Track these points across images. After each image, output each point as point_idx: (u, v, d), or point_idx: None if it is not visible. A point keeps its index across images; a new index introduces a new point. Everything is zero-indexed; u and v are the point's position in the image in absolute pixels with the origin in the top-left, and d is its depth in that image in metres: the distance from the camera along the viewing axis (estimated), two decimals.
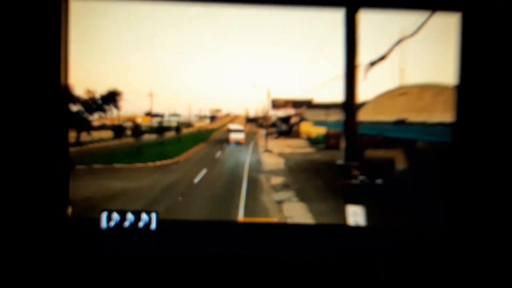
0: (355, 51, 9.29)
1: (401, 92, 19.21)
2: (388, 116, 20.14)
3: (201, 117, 51.28)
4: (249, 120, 56.82)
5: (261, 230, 4.56)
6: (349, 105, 10.02)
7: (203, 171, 22.78)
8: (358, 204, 8.87)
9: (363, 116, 22.72)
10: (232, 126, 40.17)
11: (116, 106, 32.85)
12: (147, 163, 24.31)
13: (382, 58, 11.14)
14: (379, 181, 18.77)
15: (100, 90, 32.12)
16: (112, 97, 32.00)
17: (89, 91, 30.88)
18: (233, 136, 36.66)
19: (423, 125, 15.67)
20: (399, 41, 10.55)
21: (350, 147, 10.41)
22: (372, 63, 11.57)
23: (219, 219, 14.91)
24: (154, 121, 45.91)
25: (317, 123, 28.10)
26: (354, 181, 8.97)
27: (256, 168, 24.18)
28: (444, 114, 15.08)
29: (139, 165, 23.93)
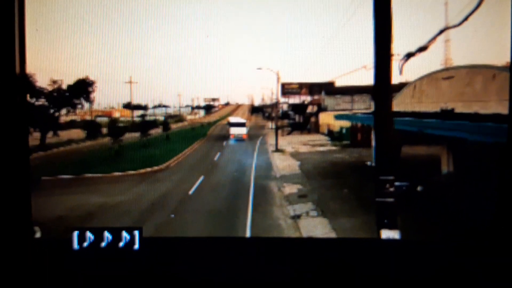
0: (389, 29, 9.21)
1: (446, 75, 19.04)
2: (430, 105, 20.02)
3: (194, 108, 51.18)
4: (255, 110, 56.76)
5: (271, 246, 4.52)
6: (382, 94, 9.95)
7: (200, 179, 22.78)
8: (394, 229, 8.89)
9: (399, 105, 22.63)
10: (232, 119, 41.29)
11: (88, 99, 32.72)
12: (129, 171, 24.31)
13: (422, 49, 11.00)
14: (420, 188, 18.72)
15: (68, 80, 31.98)
16: (82, 88, 31.85)
17: (54, 82, 30.75)
18: (234, 131, 37.39)
19: (475, 119, 15.50)
20: (442, 31, 10.46)
21: (382, 146, 10.38)
22: (410, 55, 11.46)
23: (214, 236, 14.90)
24: (136, 115, 45.91)
25: (340, 116, 27.84)
26: (388, 199, 8.97)
27: (265, 174, 24.14)
28: (502, 104, 14.95)
29: (120, 173, 23.94)
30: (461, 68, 18.22)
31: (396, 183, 16.86)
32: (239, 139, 37.18)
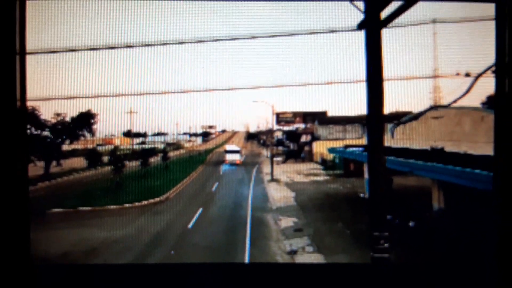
0: (380, 71, 9.66)
1: (435, 114, 19.56)
2: (421, 142, 20.52)
3: (192, 135, 51.62)
4: (250, 137, 57.71)
5: (269, 272, 4.63)
6: (374, 133, 10.37)
7: (198, 211, 23.04)
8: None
9: (390, 140, 23.12)
10: (228, 147, 43.68)
11: (90, 130, 33.29)
12: (130, 203, 24.54)
13: (413, 118, 11.48)
14: (412, 223, 19.08)
15: (71, 109, 32.44)
16: (84, 120, 32.41)
17: (58, 114, 31.35)
18: (229, 157, 40.98)
19: (465, 160, 15.91)
20: (431, 107, 10.99)
21: (375, 182, 10.78)
22: (401, 122, 11.94)
23: (213, 262, 15.03)
24: (136, 142, 46.30)
25: (332, 150, 28.28)
26: (384, 255, 9.35)
27: (262, 206, 24.44)
28: (490, 146, 15.39)
29: (120, 206, 24.18)
30: (450, 109, 18.72)
31: (388, 217, 17.37)
32: (233, 164, 39.82)
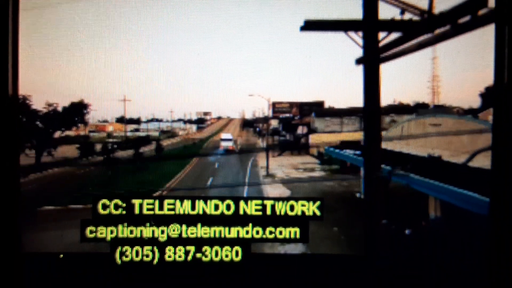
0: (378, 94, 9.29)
1: (433, 122, 19.15)
2: (418, 148, 20.12)
3: (186, 122, 50.85)
4: (246, 124, 57.19)
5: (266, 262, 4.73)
6: (371, 140, 9.99)
7: None
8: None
9: (387, 143, 22.69)
10: (224, 136, 45.94)
11: (83, 121, 32.61)
12: None
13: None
14: (408, 231, 18.70)
15: (63, 98, 31.72)
16: (77, 110, 31.66)
17: (49, 104, 30.60)
18: (224, 144, 44.19)
19: (465, 171, 15.57)
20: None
21: (371, 190, 10.45)
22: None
23: None
24: (129, 129, 45.55)
25: (329, 151, 27.70)
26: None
27: None
28: (489, 159, 14.97)
29: None
30: (448, 118, 18.33)
31: (384, 221, 17.01)
32: (227, 150, 42.31)
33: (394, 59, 9.38)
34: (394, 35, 9.28)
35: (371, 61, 9.11)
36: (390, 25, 9.02)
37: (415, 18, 8.44)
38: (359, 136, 31.63)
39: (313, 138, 38.95)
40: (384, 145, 22.83)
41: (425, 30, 8.10)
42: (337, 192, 26.53)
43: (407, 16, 8.14)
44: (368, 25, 9.13)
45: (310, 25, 9.16)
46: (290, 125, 42.31)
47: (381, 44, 9.41)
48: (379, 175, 9.99)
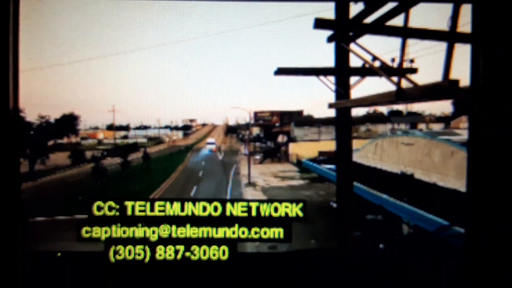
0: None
1: (406, 141, 19.43)
2: (391, 165, 20.39)
3: (173, 129, 50.88)
4: (229, 131, 57.80)
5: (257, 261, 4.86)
6: (343, 157, 10.16)
7: None
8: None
9: (362, 158, 22.97)
10: (209, 140, 49.53)
11: (74, 131, 32.59)
12: None
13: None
14: (381, 246, 18.88)
15: (55, 110, 31.71)
16: (68, 122, 31.62)
17: (42, 117, 30.58)
18: (208, 146, 47.99)
19: (436, 191, 15.82)
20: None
21: (343, 203, 10.65)
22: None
23: None
24: (119, 136, 45.39)
25: (307, 164, 27.80)
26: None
27: None
28: (460, 182, 15.21)
29: None
30: (420, 137, 18.60)
31: (357, 233, 17.26)
32: (212, 150, 45.53)
33: (364, 105, 9.54)
34: (369, 79, 9.45)
35: (343, 109, 9.29)
36: (360, 71, 9.21)
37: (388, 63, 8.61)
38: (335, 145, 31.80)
39: (293, 147, 39.18)
40: (359, 159, 23.12)
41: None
42: (315, 202, 26.66)
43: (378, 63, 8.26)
44: (338, 72, 9.30)
45: (282, 71, 9.34)
46: (271, 133, 42.50)
47: (353, 89, 9.56)
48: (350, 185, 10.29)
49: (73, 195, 26.62)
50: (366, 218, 19.10)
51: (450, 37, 5.39)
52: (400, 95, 6.47)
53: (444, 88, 5.32)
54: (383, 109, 44.32)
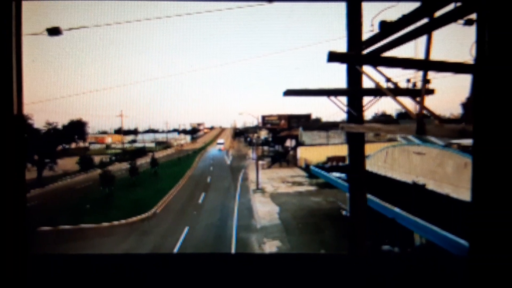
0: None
1: (417, 150, 18.55)
2: (402, 174, 19.53)
3: (181, 132, 50.37)
4: (237, 134, 57.81)
5: (252, 262, 4.11)
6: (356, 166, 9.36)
7: (185, 231, 21.88)
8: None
9: (372, 166, 22.07)
10: (219, 141, 52.23)
11: (82, 137, 32.05)
12: (118, 221, 23.16)
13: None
14: (396, 249, 18.07)
15: (64, 115, 31.14)
16: (76, 128, 31.12)
17: (49, 124, 30.12)
18: (218, 146, 51.12)
19: (449, 202, 14.96)
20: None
21: (356, 215, 9.90)
22: None
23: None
24: (127, 139, 44.65)
25: (316, 172, 26.69)
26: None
27: (247, 224, 23.24)
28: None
29: (109, 224, 22.82)
30: (432, 147, 17.72)
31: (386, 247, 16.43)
32: (220, 149, 47.27)
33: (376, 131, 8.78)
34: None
35: (355, 134, 8.52)
36: (374, 92, 8.47)
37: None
38: (344, 149, 31.08)
39: (301, 151, 38.32)
40: (369, 168, 22.22)
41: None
42: (324, 209, 25.88)
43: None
44: (350, 93, 8.53)
45: (290, 93, 8.64)
46: (279, 137, 41.71)
47: (366, 110, 8.77)
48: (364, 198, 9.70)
49: (81, 202, 26.02)
50: (382, 249, 18.39)
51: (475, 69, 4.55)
52: (420, 132, 5.67)
53: (471, 134, 4.45)
54: (392, 112, 43.33)
